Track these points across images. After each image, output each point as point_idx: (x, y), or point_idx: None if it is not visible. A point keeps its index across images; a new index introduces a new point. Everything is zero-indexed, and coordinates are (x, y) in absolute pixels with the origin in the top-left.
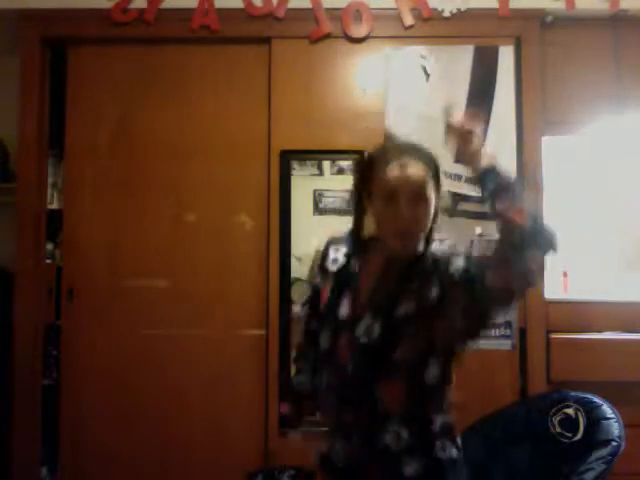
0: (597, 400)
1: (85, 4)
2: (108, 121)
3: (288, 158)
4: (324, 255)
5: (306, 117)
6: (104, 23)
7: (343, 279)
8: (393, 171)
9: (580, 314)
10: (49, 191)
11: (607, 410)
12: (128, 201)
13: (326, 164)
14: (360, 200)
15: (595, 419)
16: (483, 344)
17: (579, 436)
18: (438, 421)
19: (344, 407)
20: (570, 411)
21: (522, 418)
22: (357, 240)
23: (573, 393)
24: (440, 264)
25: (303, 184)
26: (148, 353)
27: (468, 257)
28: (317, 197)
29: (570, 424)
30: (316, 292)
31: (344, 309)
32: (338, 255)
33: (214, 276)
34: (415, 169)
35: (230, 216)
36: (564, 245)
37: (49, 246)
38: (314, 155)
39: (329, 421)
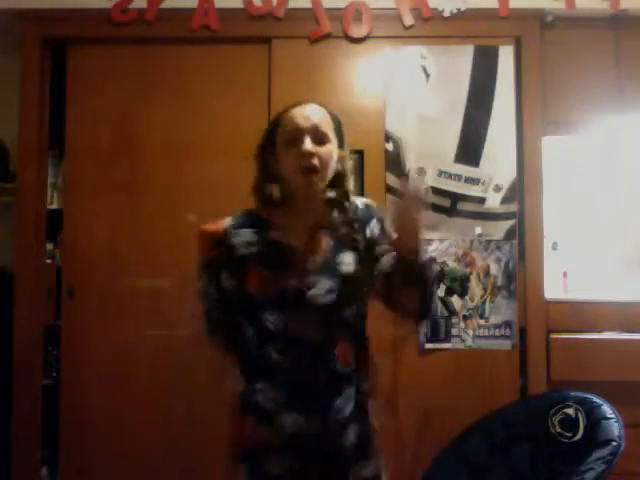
0: (597, 400)
1: (85, 4)
2: (108, 121)
3: None
4: (226, 242)
5: None
6: (104, 23)
7: (274, 253)
8: (294, 112)
9: (580, 314)
10: (49, 191)
11: (607, 410)
12: (128, 201)
13: None
14: (264, 161)
15: (595, 419)
16: (483, 344)
17: (579, 436)
18: (369, 381)
19: (301, 378)
20: (570, 411)
21: (522, 418)
22: (266, 205)
23: (573, 393)
24: (365, 217)
25: None
26: (148, 353)
27: (385, 232)
28: None
29: (570, 424)
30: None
31: (291, 282)
32: (246, 236)
33: None
34: (315, 110)
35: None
36: (564, 245)
37: (49, 246)
38: None
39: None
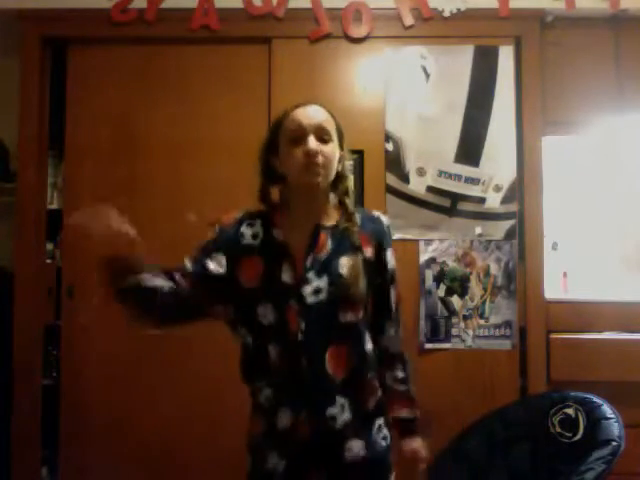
0: (597, 400)
1: (85, 4)
2: (108, 121)
3: None
4: (237, 231)
5: None
6: (104, 23)
7: (273, 249)
8: (297, 112)
9: (580, 314)
10: (49, 191)
11: (607, 410)
12: (128, 201)
13: None
14: (267, 164)
15: (595, 419)
16: (483, 344)
17: (579, 436)
18: (372, 400)
19: (293, 378)
20: (570, 411)
21: (522, 418)
22: (268, 207)
23: (573, 393)
24: (377, 229)
25: None
26: (148, 353)
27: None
28: None
29: (570, 424)
30: (208, 252)
31: (286, 276)
32: (255, 229)
33: None
34: (318, 110)
35: None
36: (564, 245)
37: (49, 246)
38: None
39: (271, 397)
